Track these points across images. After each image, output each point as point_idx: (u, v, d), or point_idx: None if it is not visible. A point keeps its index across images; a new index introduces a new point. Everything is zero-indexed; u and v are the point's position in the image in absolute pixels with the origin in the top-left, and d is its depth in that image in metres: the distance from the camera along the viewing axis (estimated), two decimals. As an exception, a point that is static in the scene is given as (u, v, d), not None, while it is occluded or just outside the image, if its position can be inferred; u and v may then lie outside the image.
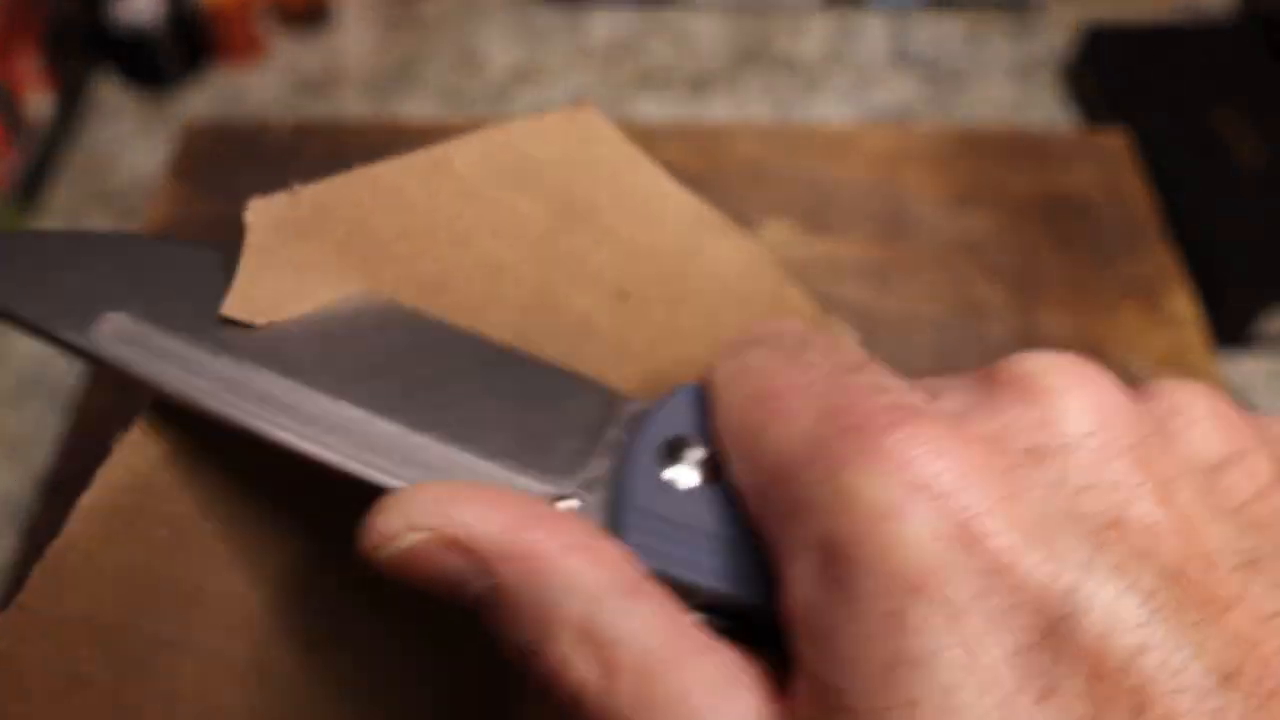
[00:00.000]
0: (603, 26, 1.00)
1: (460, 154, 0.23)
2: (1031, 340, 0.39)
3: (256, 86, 0.93)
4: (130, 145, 0.89)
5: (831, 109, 0.94)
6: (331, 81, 0.93)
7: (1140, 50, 0.97)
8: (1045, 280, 0.42)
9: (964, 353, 0.39)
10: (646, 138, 0.47)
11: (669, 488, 0.16)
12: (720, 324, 0.26)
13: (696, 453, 0.16)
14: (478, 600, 0.14)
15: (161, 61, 0.90)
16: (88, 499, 0.17)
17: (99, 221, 0.84)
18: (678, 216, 0.27)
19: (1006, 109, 0.94)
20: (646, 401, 0.18)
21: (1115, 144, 0.47)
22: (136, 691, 0.18)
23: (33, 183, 0.85)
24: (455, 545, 0.14)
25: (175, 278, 0.18)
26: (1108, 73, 0.96)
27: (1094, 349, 0.40)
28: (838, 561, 0.13)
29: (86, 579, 0.18)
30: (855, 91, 0.96)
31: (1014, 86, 0.98)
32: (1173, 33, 1.01)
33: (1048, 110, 0.96)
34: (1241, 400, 0.60)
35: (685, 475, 0.16)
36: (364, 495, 0.18)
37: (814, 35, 1.00)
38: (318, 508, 0.20)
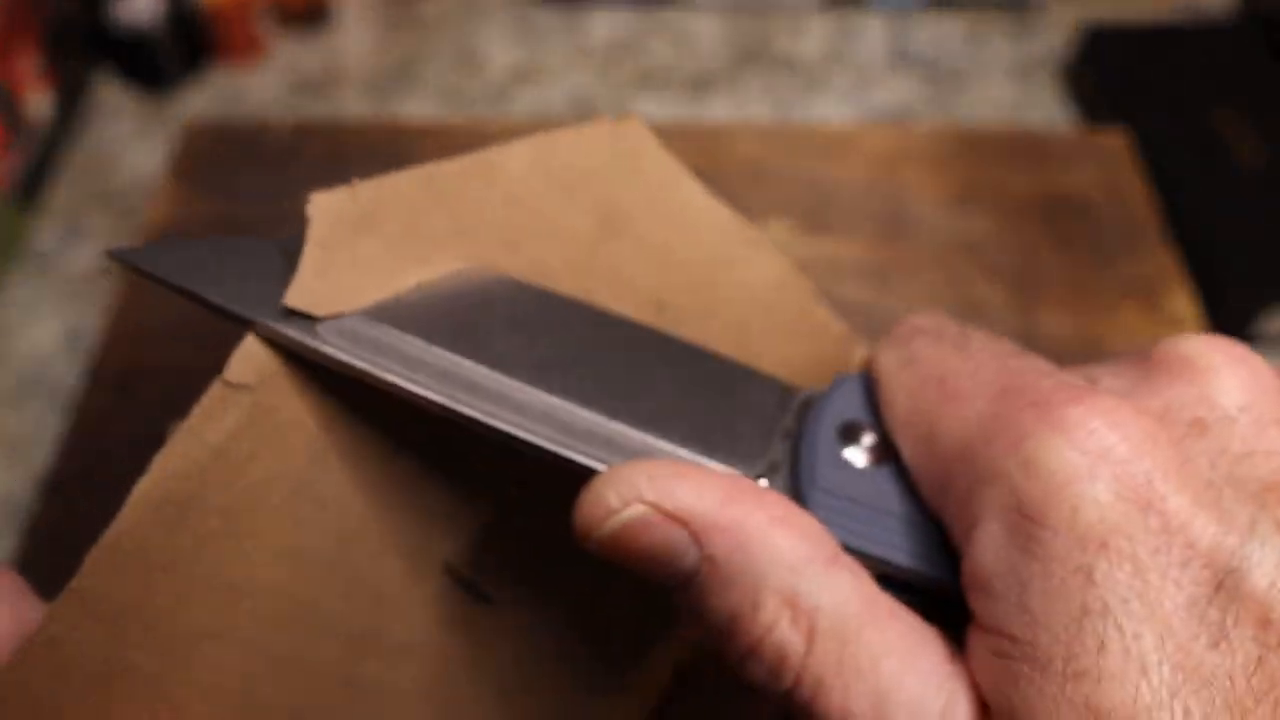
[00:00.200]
0: (602, 26, 1.00)
1: (511, 159, 0.23)
2: (1031, 340, 0.39)
3: (256, 86, 0.93)
4: (130, 145, 0.89)
5: (831, 109, 0.94)
6: (331, 81, 0.93)
7: (1140, 50, 0.97)
8: (1045, 280, 0.42)
9: (964, 353, 0.39)
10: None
11: (847, 468, 0.17)
12: (750, 336, 0.26)
13: (869, 437, 0.17)
14: (687, 574, 0.15)
15: (161, 61, 0.90)
16: (142, 486, 0.18)
17: (99, 221, 0.84)
18: (713, 229, 0.27)
19: (1006, 109, 0.95)
20: (812, 390, 0.19)
21: (1115, 144, 0.47)
22: (180, 681, 0.18)
23: (33, 183, 0.85)
24: (673, 518, 0.15)
25: (451, 301, 0.20)
26: (1107, 73, 0.96)
27: (1094, 348, 0.40)
28: (1027, 524, 0.14)
29: (138, 566, 0.18)
30: (855, 91, 0.96)
31: (1014, 86, 0.98)
32: (1172, 33, 1.01)
33: (1047, 110, 0.96)
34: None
35: (859, 457, 0.17)
36: (413, 491, 0.19)
37: (814, 35, 1.00)
38: (365, 505, 0.20)
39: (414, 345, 0.18)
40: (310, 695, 0.20)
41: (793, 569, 0.15)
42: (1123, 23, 1.01)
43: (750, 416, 0.19)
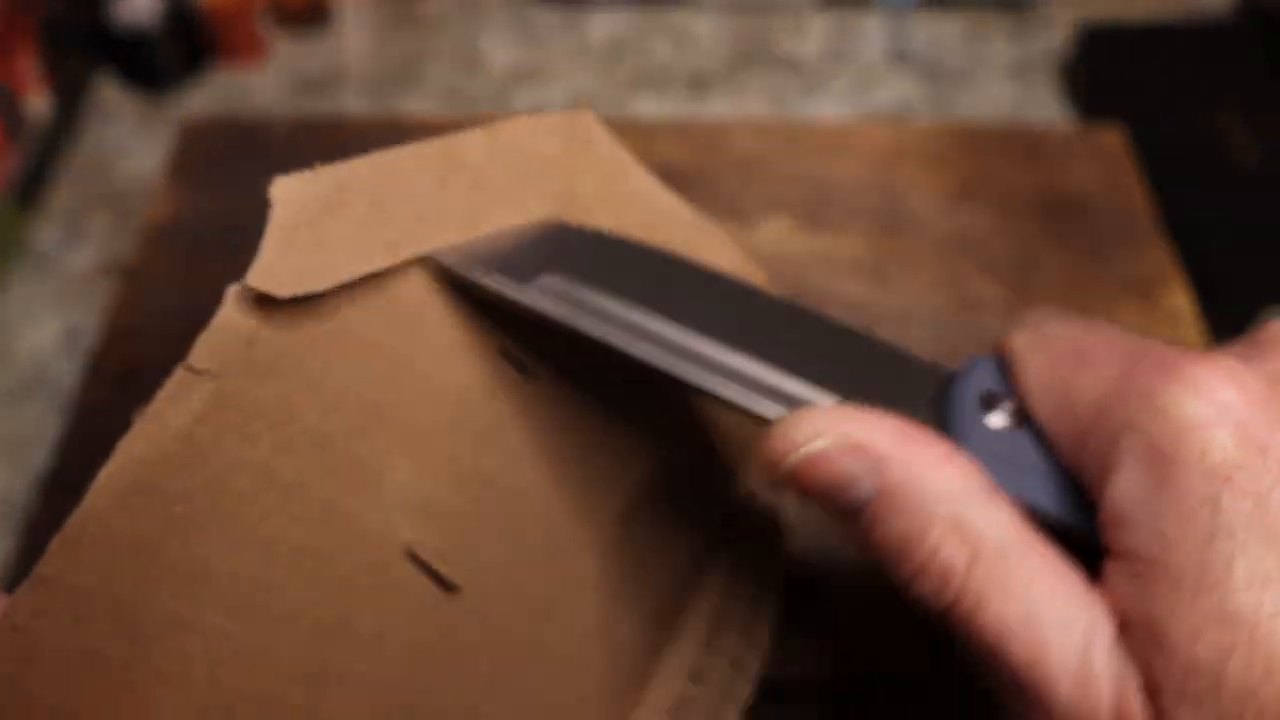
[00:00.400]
0: (602, 26, 1.00)
1: (471, 146, 0.23)
2: (1029, 336, 0.39)
3: (256, 87, 0.93)
4: (130, 145, 0.89)
5: (831, 109, 0.94)
6: (332, 82, 0.93)
7: (1139, 50, 0.97)
8: (1043, 276, 0.42)
9: (962, 348, 0.39)
10: (644, 134, 0.47)
11: (988, 431, 0.19)
12: None
13: (1006, 405, 0.19)
14: (861, 503, 0.18)
15: (161, 61, 0.91)
16: (108, 471, 0.18)
17: (99, 221, 0.84)
18: (666, 220, 0.27)
19: (1006, 108, 0.95)
20: (948, 368, 0.21)
21: (1112, 141, 0.47)
22: (147, 668, 0.18)
23: (33, 183, 0.85)
24: (855, 450, 0.18)
25: (582, 251, 0.22)
26: (1106, 72, 0.96)
27: (1091, 345, 0.40)
28: (1161, 462, 0.16)
29: (103, 553, 0.18)
30: (855, 91, 0.96)
31: (1013, 86, 0.98)
32: (1171, 33, 1.01)
33: (1047, 109, 0.96)
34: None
35: (998, 421, 0.19)
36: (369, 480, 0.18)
37: (814, 35, 1.01)
38: (328, 493, 0.20)
39: (609, 303, 0.20)
40: (278, 684, 0.19)
41: (957, 498, 0.17)
42: (1122, 22, 1.01)
43: (897, 383, 0.21)
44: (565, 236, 0.24)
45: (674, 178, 0.45)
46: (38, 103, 0.85)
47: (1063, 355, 0.19)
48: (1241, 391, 0.17)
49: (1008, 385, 0.20)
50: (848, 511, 0.18)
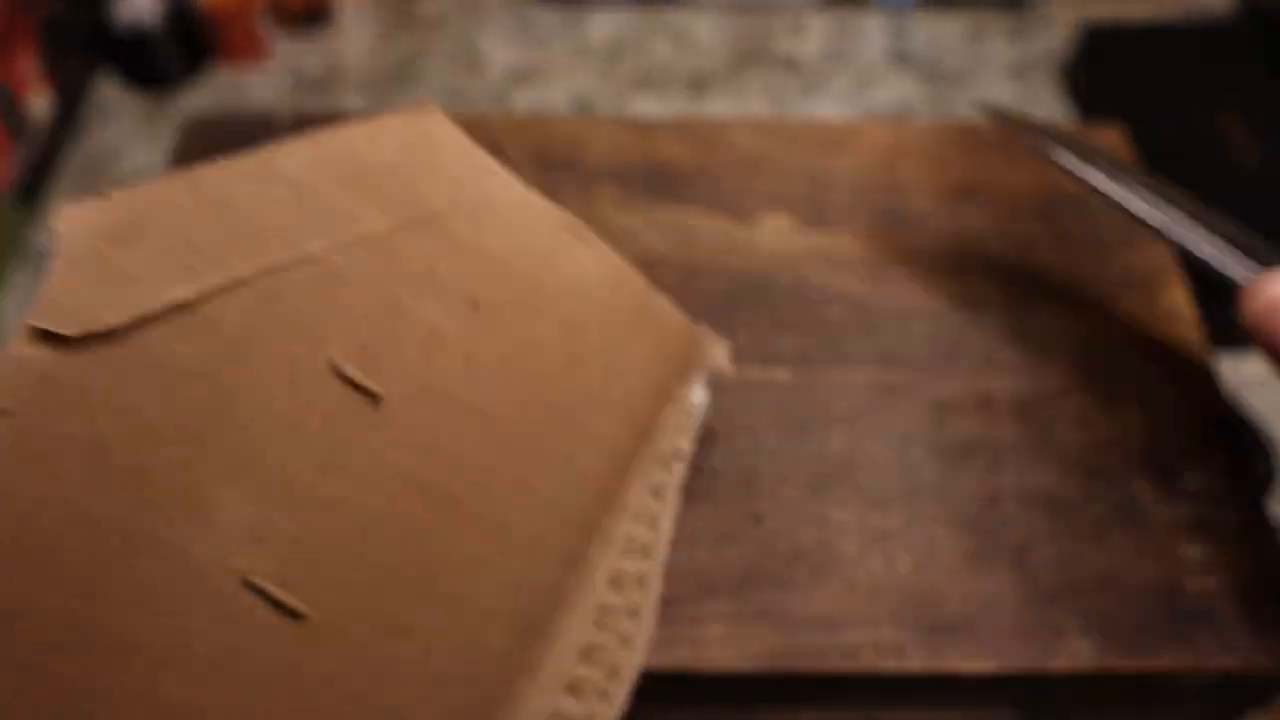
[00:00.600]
0: (603, 26, 1.00)
1: (289, 159, 0.22)
2: (1028, 334, 0.39)
3: (257, 86, 0.93)
4: (130, 145, 0.89)
5: (831, 108, 0.94)
6: (332, 81, 0.93)
7: (1139, 50, 0.97)
8: (1042, 274, 0.42)
9: (961, 346, 0.39)
10: (644, 134, 0.47)
11: None
12: (585, 334, 0.25)
13: None
14: None
15: (162, 61, 0.91)
16: None
17: (99, 221, 0.84)
18: (531, 224, 0.26)
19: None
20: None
21: (1112, 139, 0.47)
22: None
23: (33, 183, 0.85)
24: None
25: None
26: (1106, 72, 0.96)
27: (1090, 344, 0.40)
28: None
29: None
30: (855, 91, 0.96)
31: (1013, 86, 0.98)
32: (1172, 32, 1.01)
33: (1047, 109, 0.96)
34: (1240, 401, 0.60)
35: None
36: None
37: (814, 35, 1.01)
38: (152, 523, 0.19)
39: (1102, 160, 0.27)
40: (113, 718, 0.19)
41: None
42: (1122, 22, 1.01)
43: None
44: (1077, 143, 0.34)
45: (674, 177, 0.45)
46: (38, 103, 0.85)
47: None
48: None
49: None
50: None
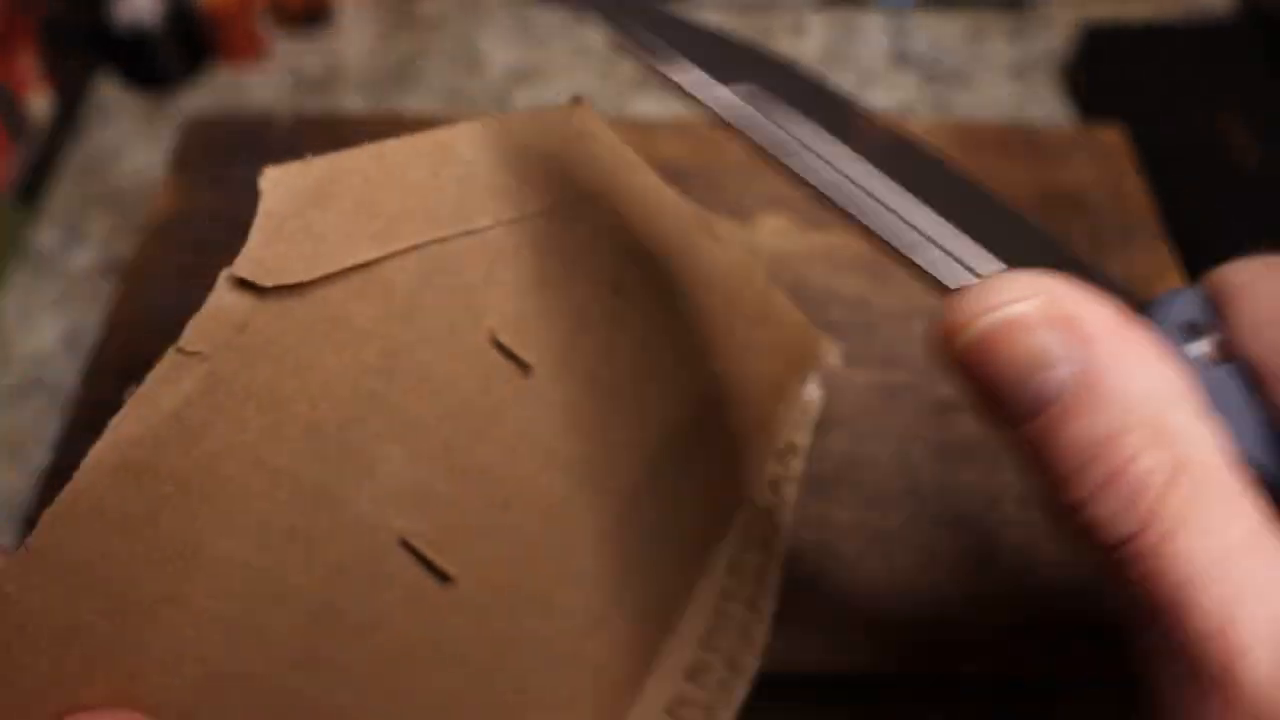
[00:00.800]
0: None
1: (462, 140, 0.23)
2: (1029, 334, 0.39)
3: (257, 86, 0.93)
4: (131, 145, 0.89)
5: (831, 108, 0.94)
6: (332, 81, 0.94)
7: (1139, 50, 0.97)
8: (1042, 274, 0.42)
9: (961, 346, 0.39)
10: (644, 134, 0.47)
11: (1188, 360, 0.17)
12: (712, 322, 0.26)
13: (1210, 337, 0.18)
14: (1051, 391, 0.14)
15: (162, 61, 0.91)
16: (99, 449, 0.18)
17: (100, 222, 0.84)
18: (668, 216, 0.27)
19: (1006, 108, 0.95)
20: (1147, 296, 0.19)
21: (1111, 139, 0.47)
22: (134, 646, 0.18)
23: (33, 183, 0.85)
24: (1062, 320, 0.14)
25: (792, 77, 0.20)
26: (1106, 72, 0.96)
27: (1091, 343, 0.40)
28: None
29: (93, 528, 0.18)
30: (855, 91, 0.96)
31: (1014, 86, 0.98)
32: (1171, 32, 1.01)
33: (1047, 109, 0.96)
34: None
35: (1200, 351, 0.18)
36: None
37: (814, 35, 1.01)
38: (320, 479, 0.20)
39: (813, 131, 0.19)
40: (267, 666, 0.20)
41: (1171, 402, 0.15)
42: (1122, 22, 1.01)
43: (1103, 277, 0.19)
44: (763, 56, 0.22)
45: (675, 176, 0.45)
46: (38, 103, 0.85)
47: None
48: None
49: (1213, 319, 0.18)
50: (1030, 404, 0.15)
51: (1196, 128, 0.95)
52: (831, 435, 0.37)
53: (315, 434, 0.20)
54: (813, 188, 0.18)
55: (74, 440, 0.36)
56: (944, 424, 0.38)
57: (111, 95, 0.92)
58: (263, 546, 0.19)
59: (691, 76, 0.19)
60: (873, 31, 1.01)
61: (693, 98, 0.19)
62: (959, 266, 0.18)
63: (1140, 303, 0.19)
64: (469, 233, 0.22)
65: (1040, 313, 0.14)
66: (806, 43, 0.99)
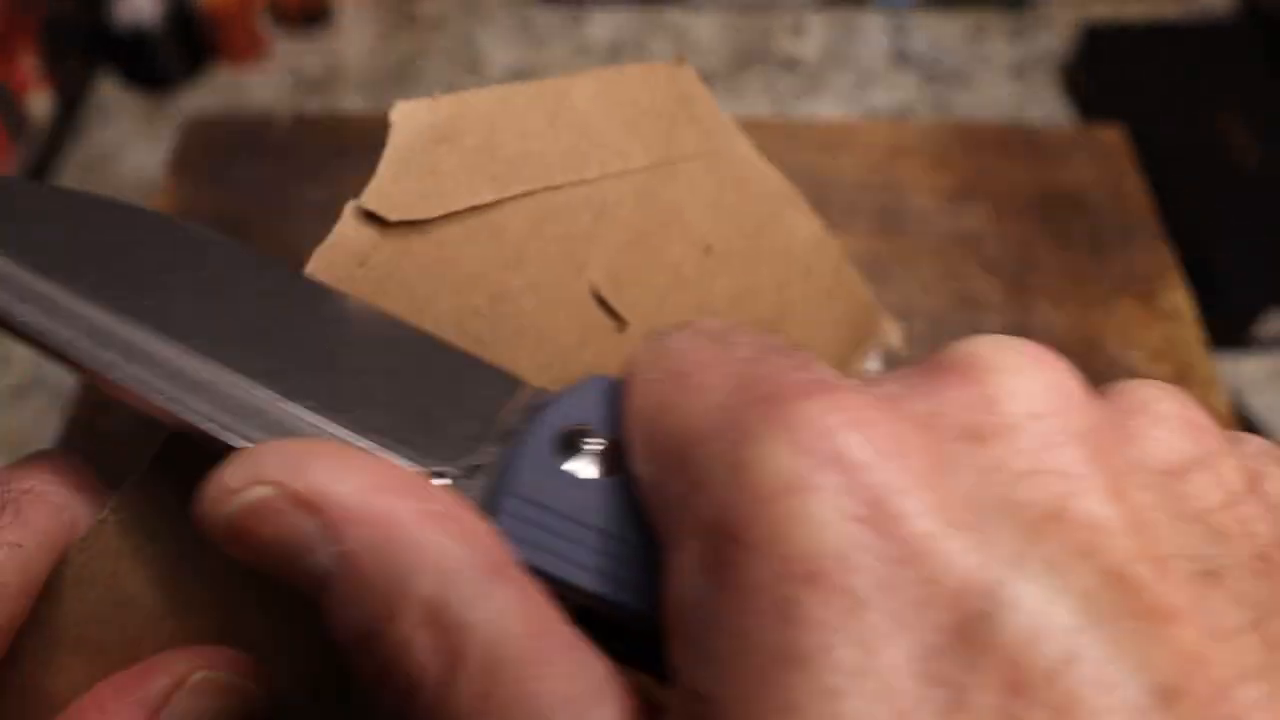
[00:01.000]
0: (603, 26, 1.00)
1: (577, 89, 0.23)
2: (1028, 335, 0.39)
3: (257, 86, 0.93)
4: (131, 145, 0.89)
5: (831, 108, 0.94)
6: (332, 81, 0.93)
7: (1139, 50, 0.97)
8: (1042, 274, 0.42)
9: (961, 347, 0.39)
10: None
11: (558, 477, 0.14)
12: (789, 293, 0.27)
13: (596, 443, 0.15)
14: (320, 575, 0.13)
15: (162, 61, 0.91)
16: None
17: (99, 221, 0.84)
18: (757, 182, 0.27)
19: (1006, 108, 0.95)
20: (553, 391, 0.16)
21: (1111, 139, 0.47)
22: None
23: (33, 182, 0.85)
24: (302, 503, 0.13)
25: (66, 226, 0.17)
26: (1106, 72, 0.96)
27: (1090, 343, 0.40)
28: (725, 546, 0.11)
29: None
30: (855, 91, 0.96)
31: (1014, 86, 0.98)
32: (1172, 32, 1.01)
33: (1048, 109, 0.96)
34: (1240, 401, 0.60)
35: (583, 467, 0.14)
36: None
37: (814, 35, 1.01)
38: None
39: (69, 298, 0.15)
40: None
41: (443, 575, 0.12)
42: (1122, 22, 1.01)
43: (467, 414, 0.16)
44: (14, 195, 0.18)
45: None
46: (38, 102, 0.85)
47: (669, 374, 0.14)
48: (866, 439, 0.11)
49: (609, 417, 0.15)
50: (306, 586, 0.13)
51: (1196, 128, 0.95)
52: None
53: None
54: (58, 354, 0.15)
55: (74, 440, 0.36)
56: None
57: (111, 95, 0.92)
58: None
59: None
60: (873, 31, 1.01)
61: None
62: (250, 430, 0.14)
63: (541, 402, 0.16)
64: (578, 183, 0.22)
65: (283, 496, 0.13)
66: (806, 43, 0.99)
